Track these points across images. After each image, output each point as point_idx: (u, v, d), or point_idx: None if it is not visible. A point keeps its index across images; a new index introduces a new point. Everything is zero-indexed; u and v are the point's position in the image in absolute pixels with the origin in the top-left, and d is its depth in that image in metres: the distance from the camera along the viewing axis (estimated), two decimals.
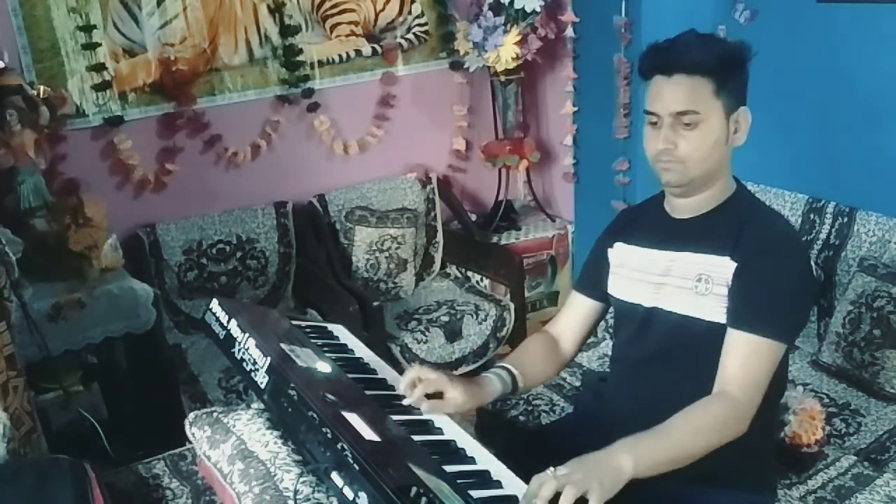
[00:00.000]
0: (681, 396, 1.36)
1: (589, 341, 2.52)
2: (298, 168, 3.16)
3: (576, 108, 3.18)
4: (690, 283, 1.41)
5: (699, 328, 1.40)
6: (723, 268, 1.38)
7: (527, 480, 1.20)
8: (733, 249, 1.38)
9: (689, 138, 1.37)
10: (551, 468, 1.13)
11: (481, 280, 3.25)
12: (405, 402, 1.40)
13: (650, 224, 1.53)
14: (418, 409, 1.42)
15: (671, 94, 1.36)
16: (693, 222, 1.46)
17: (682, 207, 1.48)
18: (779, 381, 1.51)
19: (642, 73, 1.43)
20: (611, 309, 1.65)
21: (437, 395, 1.41)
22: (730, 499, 1.44)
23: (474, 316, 3.01)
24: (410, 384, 1.42)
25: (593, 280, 1.64)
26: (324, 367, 1.42)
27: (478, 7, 3.10)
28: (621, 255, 1.56)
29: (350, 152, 3.25)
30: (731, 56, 1.37)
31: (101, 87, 2.72)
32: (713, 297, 1.39)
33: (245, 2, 2.90)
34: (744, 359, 1.33)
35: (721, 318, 1.38)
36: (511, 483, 1.21)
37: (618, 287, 1.56)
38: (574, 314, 1.67)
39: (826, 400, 2.11)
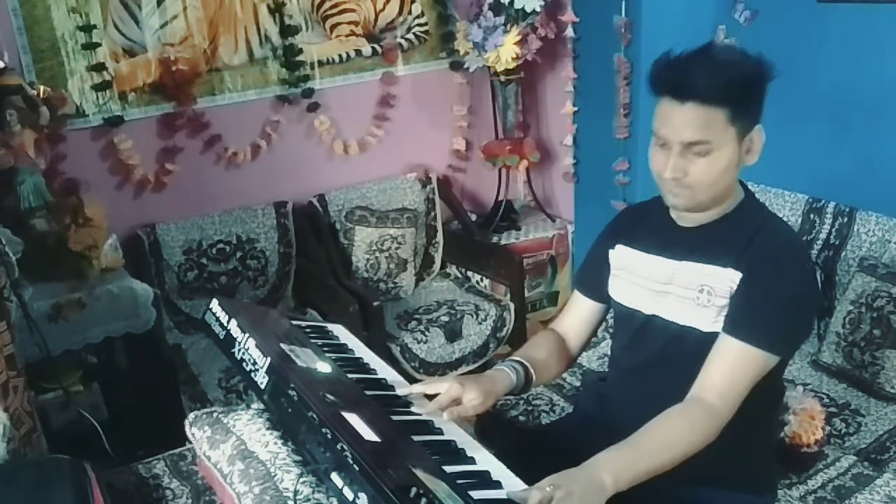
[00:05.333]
0: (676, 402, 1.36)
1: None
2: (298, 168, 3.16)
3: (576, 108, 3.18)
4: (693, 294, 1.39)
5: (696, 337, 1.39)
6: (727, 279, 1.36)
7: (527, 480, 1.20)
8: (738, 261, 1.35)
9: (699, 165, 1.31)
10: (549, 486, 1.13)
11: (481, 280, 3.25)
12: (423, 412, 1.38)
13: (654, 229, 1.49)
14: (412, 403, 1.42)
15: (683, 122, 1.30)
16: (699, 231, 1.42)
17: (688, 216, 1.43)
18: (777, 387, 1.51)
19: (652, 87, 1.35)
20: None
21: (453, 402, 1.39)
22: (730, 499, 1.44)
23: (474, 316, 3.01)
24: (422, 396, 1.41)
25: (594, 280, 1.61)
26: (324, 367, 1.42)
27: (478, 7, 3.10)
28: (623, 258, 1.53)
29: (350, 152, 3.25)
30: (750, 81, 1.30)
31: (101, 87, 2.72)
32: (714, 308, 1.37)
33: (245, 2, 2.90)
34: (730, 366, 1.31)
35: (720, 328, 1.36)
36: (511, 483, 1.21)
37: (618, 291, 1.54)
38: (577, 315, 1.65)
39: (826, 400, 2.11)
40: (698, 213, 1.42)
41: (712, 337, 1.36)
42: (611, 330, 2.09)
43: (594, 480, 1.17)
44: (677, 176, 1.33)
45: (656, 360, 1.45)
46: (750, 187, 2.74)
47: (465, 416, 1.38)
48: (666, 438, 1.27)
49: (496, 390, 1.43)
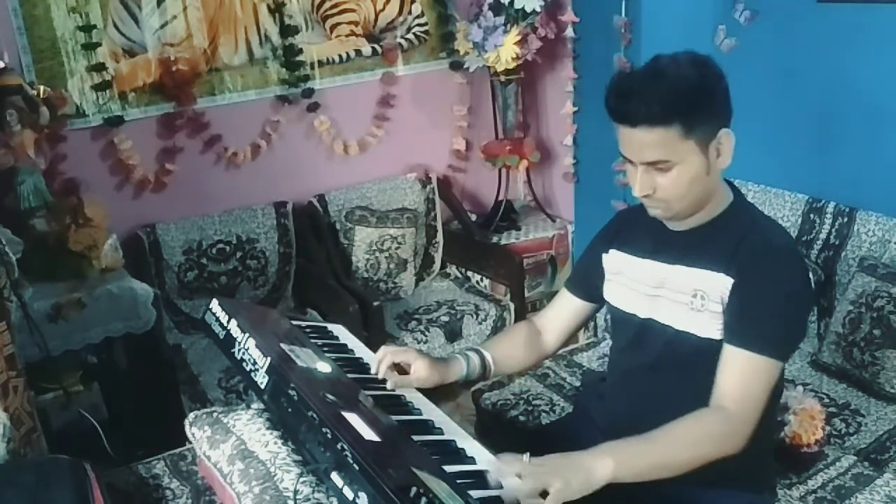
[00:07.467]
0: (674, 405, 1.35)
1: (589, 341, 2.53)
2: (298, 168, 3.16)
3: (576, 108, 3.18)
4: (686, 298, 1.40)
5: (693, 343, 1.39)
6: (719, 284, 1.36)
7: None
8: (729, 265, 1.36)
9: (665, 180, 1.33)
10: (525, 455, 1.14)
11: (481, 280, 3.25)
12: (372, 373, 1.46)
13: (646, 232, 1.49)
14: (412, 403, 1.44)
15: (638, 145, 1.32)
16: (689, 235, 1.43)
17: (677, 221, 1.45)
18: (775, 388, 1.51)
19: (608, 114, 1.37)
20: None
21: (405, 372, 1.48)
22: (730, 499, 1.44)
23: (474, 316, 3.01)
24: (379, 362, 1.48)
25: (584, 281, 1.63)
26: (324, 367, 1.42)
27: (478, 7, 3.10)
28: (616, 262, 1.54)
29: (350, 152, 3.25)
30: (695, 94, 1.28)
31: (101, 87, 2.72)
32: (708, 313, 1.37)
33: (245, 2, 2.90)
34: (740, 375, 1.32)
35: (715, 334, 1.37)
36: (511, 483, 1.21)
37: (613, 295, 1.55)
38: (561, 310, 1.67)
39: (826, 400, 2.11)
40: (686, 218, 1.42)
41: (707, 343, 1.37)
42: (610, 331, 2.09)
43: (588, 462, 1.18)
44: (647, 193, 1.35)
45: (654, 364, 1.46)
46: (750, 187, 2.74)
47: (408, 384, 1.47)
48: (678, 440, 1.28)
49: (445, 373, 1.50)
